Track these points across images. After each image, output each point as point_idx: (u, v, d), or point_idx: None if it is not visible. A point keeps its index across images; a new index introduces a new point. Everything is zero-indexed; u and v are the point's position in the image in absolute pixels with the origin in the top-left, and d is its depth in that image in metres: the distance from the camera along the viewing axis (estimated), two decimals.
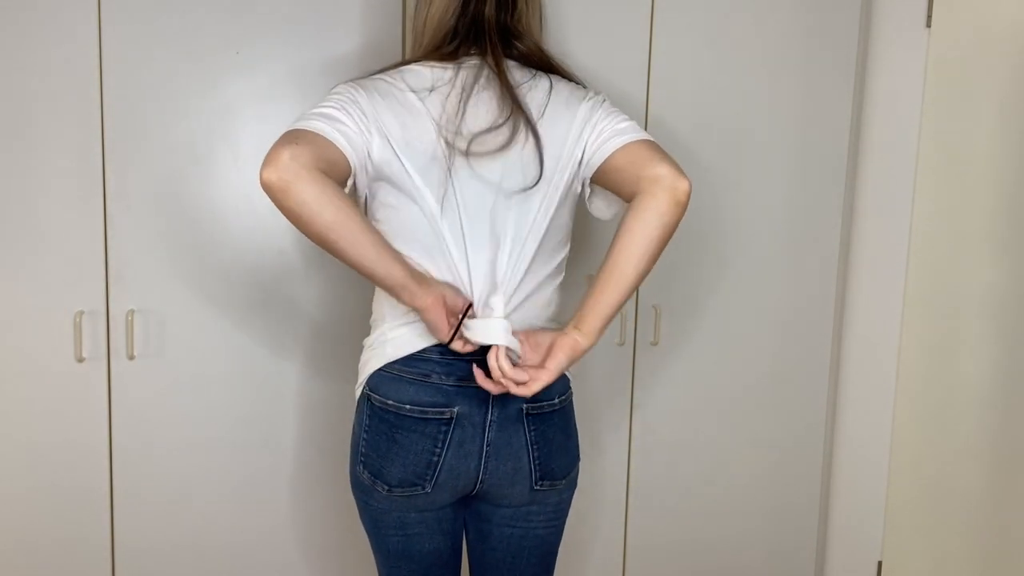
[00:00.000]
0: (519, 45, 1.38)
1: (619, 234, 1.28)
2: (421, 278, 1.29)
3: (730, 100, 1.99)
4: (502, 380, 1.28)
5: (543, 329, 1.37)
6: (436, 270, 1.34)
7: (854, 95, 2.06)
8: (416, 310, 1.30)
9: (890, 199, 2.04)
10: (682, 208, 1.27)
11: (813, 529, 2.21)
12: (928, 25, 1.96)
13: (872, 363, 2.10)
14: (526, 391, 1.28)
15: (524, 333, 1.34)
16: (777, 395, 2.13)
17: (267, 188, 1.16)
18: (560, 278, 1.43)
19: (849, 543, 2.17)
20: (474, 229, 1.33)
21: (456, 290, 1.34)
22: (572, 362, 1.30)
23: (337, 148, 1.23)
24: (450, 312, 1.31)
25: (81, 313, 1.76)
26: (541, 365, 1.29)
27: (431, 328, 1.31)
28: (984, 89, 1.88)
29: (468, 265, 1.34)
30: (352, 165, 1.26)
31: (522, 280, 1.36)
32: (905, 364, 2.05)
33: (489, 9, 1.35)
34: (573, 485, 1.48)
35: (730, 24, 1.97)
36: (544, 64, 1.39)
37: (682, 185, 1.26)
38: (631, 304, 2.01)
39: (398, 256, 1.27)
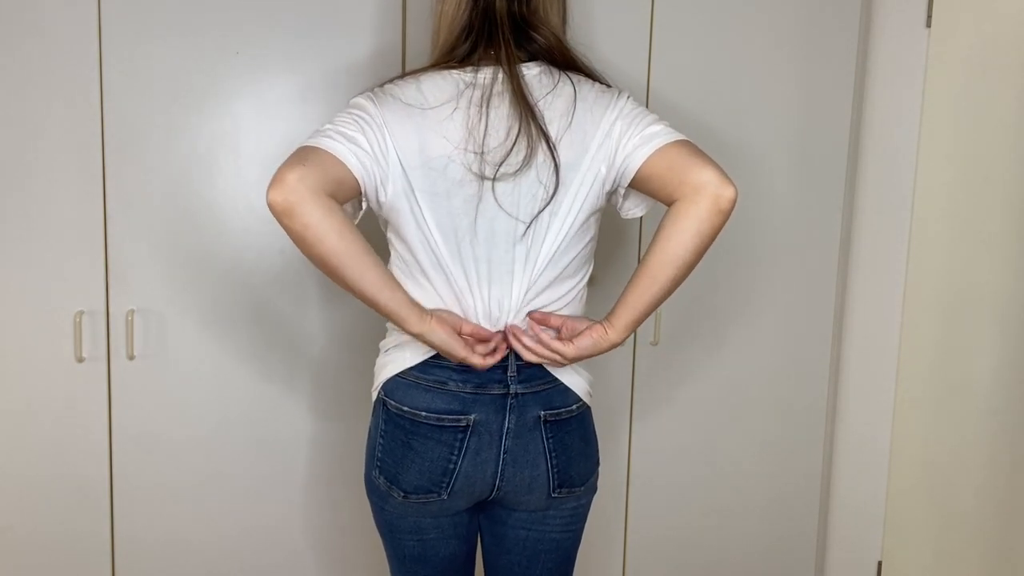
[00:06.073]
0: (537, 38, 1.33)
1: (655, 239, 1.28)
2: (421, 305, 1.30)
3: (730, 100, 1.99)
4: (535, 347, 1.32)
5: (583, 317, 1.38)
6: (446, 302, 1.33)
7: (854, 95, 2.06)
8: (420, 335, 1.29)
9: (890, 199, 2.04)
10: (725, 216, 1.25)
11: (813, 529, 2.21)
12: (928, 25, 1.96)
13: (872, 363, 2.09)
14: (537, 348, 1.32)
15: (562, 318, 1.35)
16: (777, 395, 2.13)
17: (272, 209, 1.18)
18: (578, 297, 1.40)
19: (849, 543, 2.17)
20: (489, 260, 1.31)
21: (450, 312, 1.33)
22: (596, 350, 1.33)
23: (347, 168, 1.23)
24: (454, 330, 1.30)
25: (81, 313, 1.76)
26: (569, 340, 1.33)
27: (443, 346, 1.29)
28: (984, 89, 1.88)
29: (475, 297, 1.32)
30: (362, 185, 1.26)
31: (534, 307, 1.35)
32: (905, 364, 2.05)
33: (500, 0, 1.31)
34: (592, 491, 1.46)
35: (729, 25, 1.97)
36: (566, 60, 1.35)
37: (727, 193, 1.25)
38: None
39: (399, 284, 1.28)
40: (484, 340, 1.32)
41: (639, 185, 1.32)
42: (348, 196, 1.26)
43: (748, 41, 1.98)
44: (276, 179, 1.17)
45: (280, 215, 1.17)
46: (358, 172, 1.24)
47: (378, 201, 1.29)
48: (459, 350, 1.29)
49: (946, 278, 1.97)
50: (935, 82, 1.96)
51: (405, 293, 1.28)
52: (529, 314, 1.34)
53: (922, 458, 2.04)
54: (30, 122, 1.71)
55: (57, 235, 1.74)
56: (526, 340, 1.32)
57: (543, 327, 1.34)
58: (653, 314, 1.99)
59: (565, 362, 1.35)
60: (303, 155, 1.21)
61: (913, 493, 2.07)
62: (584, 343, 1.32)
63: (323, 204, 1.17)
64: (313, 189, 1.17)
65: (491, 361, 1.32)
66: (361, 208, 1.32)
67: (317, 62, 1.79)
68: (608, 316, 1.34)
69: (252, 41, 1.77)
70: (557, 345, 1.32)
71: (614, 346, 1.34)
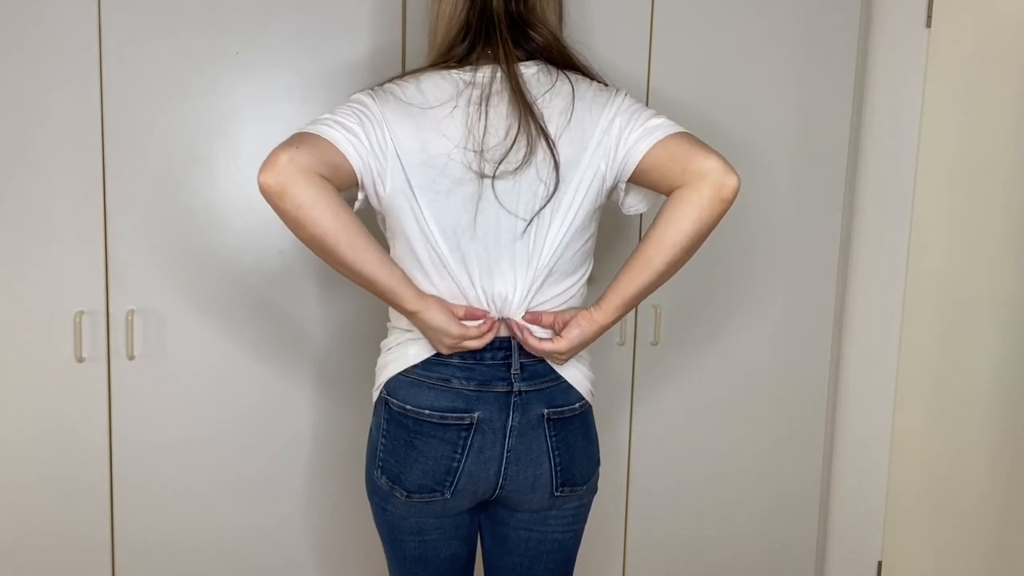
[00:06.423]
0: (535, 36, 1.33)
1: (655, 223, 1.28)
2: (417, 286, 1.30)
3: (729, 100, 1.99)
4: (529, 339, 1.33)
5: (570, 308, 1.38)
6: (446, 298, 1.33)
7: (854, 95, 2.06)
8: (416, 312, 1.28)
9: (890, 199, 2.04)
10: (727, 204, 1.25)
11: (813, 529, 2.21)
12: (928, 25, 1.96)
13: (872, 363, 2.09)
14: (539, 346, 1.32)
15: (552, 314, 1.35)
16: (777, 395, 2.13)
17: (264, 191, 1.16)
18: (579, 293, 1.40)
19: (849, 543, 2.17)
20: (489, 257, 1.31)
21: (443, 299, 1.33)
22: (584, 337, 1.33)
23: (343, 155, 1.22)
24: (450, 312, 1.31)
25: (81, 313, 1.76)
26: (559, 336, 1.33)
27: (439, 325, 1.29)
28: (984, 89, 1.88)
29: (477, 293, 1.32)
30: (359, 176, 1.25)
31: (535, 305, 1.35)
32: (905, 364, 2.05)
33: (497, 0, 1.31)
34: (593, 490, 1.46)
35: (729, 25, 1.97)
36: (564, 59, 1.35)
37: (730, 181, 1.25)
38: None
39: (395, 263, 1.28)
40: (478, 318, 1.32)
41: (641, 178, 1.32)
42: (343, 183, 1.24)
43: (748, 41, 1.98)
44: (268, 161, 1.15)
45: (271, 196, 1.16)
46: (355, 161, 1.23)
47: (377, 195, 1.29)
48: (454, 329, 1.29)
49: (946, 278, 1.97)
50: (935, 82, 1.96)
51: (402, 272, 1.28)
52: (522, 317, 1.34)
53: (922, 458, 2.04)
54: (30, 122, 1.71)
55: (57, 235, 1.74)
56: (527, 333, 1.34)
57: (541, 325, 1.35)
58: (653, 314, 2.01)
59: (562, 358, 1.35)
60: (297, 139, 1.20)
61: (913, 493, 2.07)
62: (572, 333, 1.33)
63: (316, 184, 1.16)
64: (305, 170, 1.16)
65: (487, 340, 1.32)
66: (357, 200, 1.32)
67: (317, 62, 1.79)
68: (597, 299, 1.34)
69: (252, 41, 1.77)
70: (548, 347, 1.33)
71: (603, 328, 1.34)
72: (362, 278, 1.24)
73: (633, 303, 1.33)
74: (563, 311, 1.36)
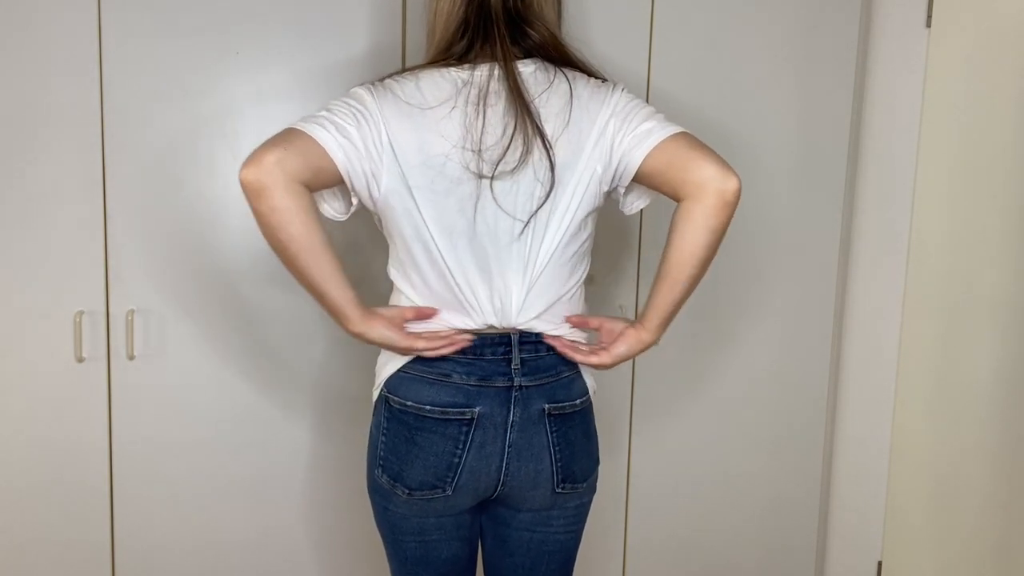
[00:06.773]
0: (532, 33, 1.33)
1: (670, 238, 1.31)
2: (370, 309, 1.32)
3: (729, 100, 1.99)
4: (575, 355, 1.36)
5: (618, 318, 1.42)
6: (442, 300, 1.33)
7: (854, 95, 2.06)
8: (360, 334, 1.30)
9: (890, 199, 2.04)
10: (732, 208, 1.27)
11: (813, 529, 2.21)
12: (928, 25, 1.96)
13: (872, 363, 2.10)
14: (583, 359, 1.36)
15: (600, 319, 1.39)
16: (777, 395, 2.13)
17: (244, 186, 1.17)
18: (577, 292, 1.40)
19: (849, 543, 2.17)
20: (488, 258, 1.31)
21: (393, 307, 1.35)
22: (631, 354, 1.37)
23: (330, 158, 1.23)
24: (398, 325, 1.32)
25: (81, 313, 1.76)
26: (606, 347, 1.37)
27: (383, 341, 1.31)
28: (984, 89, 1.88)
29: (476, 295, 1.32)
30: (347, 178, 1.26)
31: (534, 306, 1.35)
32: (905, 364, 2.05)
33: None
34: (593, 489, 1.46)
35: (729, 25, 1.97)
36: (561, 56, 1.35)
37: (731, 185, 1.26)
38: (632, 304, 2.01)
39: (350, 284, 1.29)
40: (428, 316, 1.34)
41: (640, 182, 1.34)
42: (326, 184, 1.26)
43: (748, 41, 1.98)
44: (253, 158, 1.16)
45: (250, 194, 1.17)
46: (342, 164, 1.24)
47: (371, 197, 1.29)
48: (399, 341, 1.31)
49: (946, 278, 1.97)
50: (935, 82, 1.96)
51: (355, 294, 1.29)
52: (567, 318, 1.37)
53: (922, 458, 2.04)
54: (30, 122, 1.71)
55: (57, 235, 1.74)
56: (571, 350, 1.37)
57: (582, 328, 1.39)
58: None
59: (597, 367, 1.39)
60: (287, 137, 1.20)
61: (913, 493, 2.07)
62: (619, 350, 1.37)
63: (294, 191, 1.18)
64: (288, 174, 1.17)
65: (442, 351, 1.31)
66: (352, 204, 1.32)
67: (317, 61, 1.79)
68: (640, 320, 1.37)
69: (252, 41, 1.77)
70: (594, 360, 1.36)
71: (650, 346, 1.38)
72: (314, 290, 1.26)
73: (672, 317, 1.36)
74: (611, 319, 1.40)
